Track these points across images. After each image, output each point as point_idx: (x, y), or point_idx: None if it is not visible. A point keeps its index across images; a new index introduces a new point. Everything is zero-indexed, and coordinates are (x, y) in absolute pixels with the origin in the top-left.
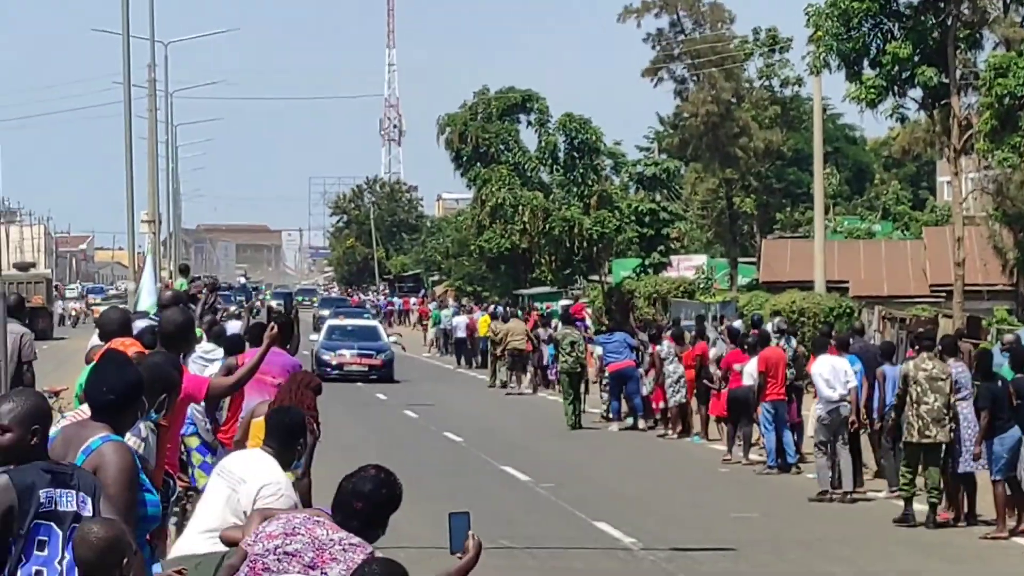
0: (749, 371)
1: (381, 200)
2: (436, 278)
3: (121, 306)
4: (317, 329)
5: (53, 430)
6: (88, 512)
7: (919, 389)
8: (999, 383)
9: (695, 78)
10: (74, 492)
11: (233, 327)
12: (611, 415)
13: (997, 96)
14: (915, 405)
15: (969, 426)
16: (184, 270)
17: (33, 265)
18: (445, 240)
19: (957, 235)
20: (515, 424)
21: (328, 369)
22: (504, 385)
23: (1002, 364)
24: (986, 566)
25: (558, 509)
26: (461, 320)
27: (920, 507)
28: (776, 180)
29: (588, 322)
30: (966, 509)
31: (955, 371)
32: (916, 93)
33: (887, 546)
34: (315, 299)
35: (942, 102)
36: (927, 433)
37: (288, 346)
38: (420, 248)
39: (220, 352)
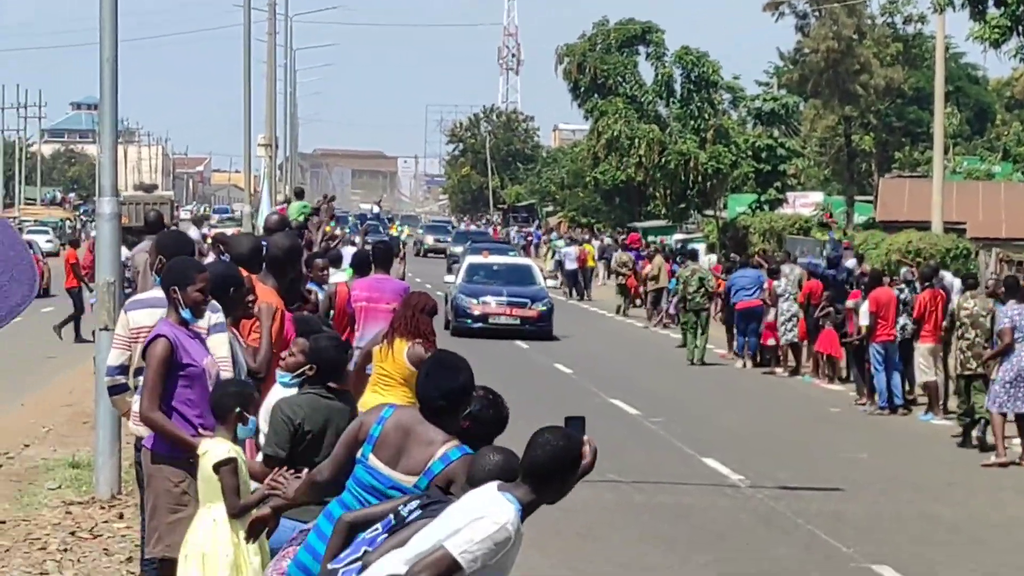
0: (861, 311)
1: (497, 129)
2: (550, 209)
3: (238, 230)
4: (450, 270)
5: None
6: None
7: (963, 325)
8: None
9: (817, 13)
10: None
11: (348, 253)
12: (738, 351)
13: None
14: (960, 340)
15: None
16: (299, 194)
17: (156, 187)
18: (560, 171)
19: None
20: (626, 358)
21: (469, 321)
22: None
23: None
24: None
25: (667, 444)
26: (571, 250)
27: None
28: (896, 118)
29: (641, 251)
30: None
31: (1013, 312)
32: None
33: (999, 492)
34: (417, 229)
35: None
36: (968, 366)
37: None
38: (535, 178)
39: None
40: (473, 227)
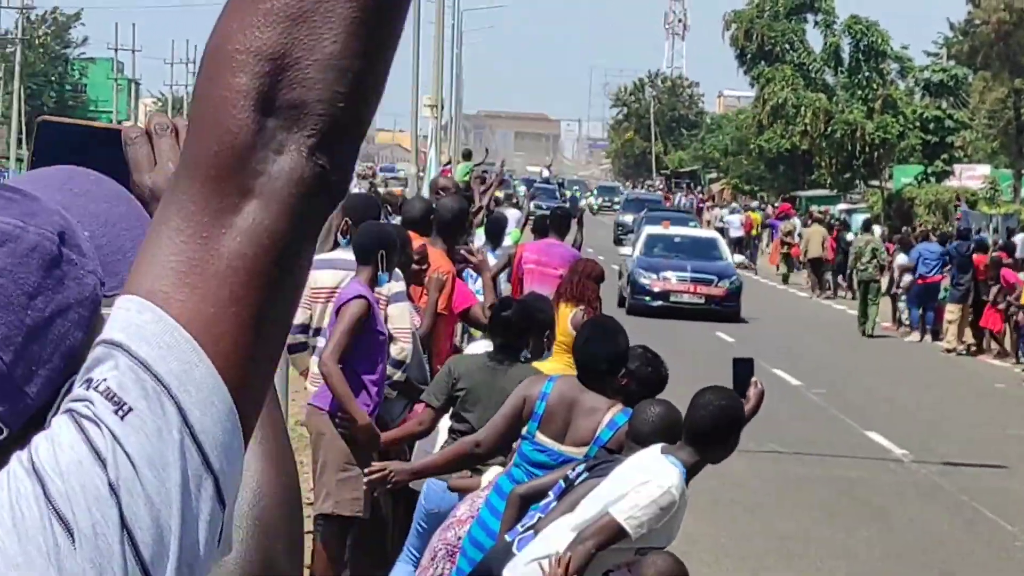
0: None
1: (662, 94)
2: (713, 175)
3: (401, 190)
4: (619, 242)
5: None
6: None
7: None
8: None
9: None
10: None
11: (513, 216)
12: (913, 324)
13: None
14: None
15: None
16: (467, 155)
17: None
18: (724, 137)
19: None
20: (792, 328)
21: (648, 298)
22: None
23: None
24: None
25: (829, 416)
26: (735, 218)
27: None
28: None
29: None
30: None
31: None
32: None
33: None
34: (587, 195)
35: None
36: None
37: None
38: (698, 144)
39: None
40: (643, 192)
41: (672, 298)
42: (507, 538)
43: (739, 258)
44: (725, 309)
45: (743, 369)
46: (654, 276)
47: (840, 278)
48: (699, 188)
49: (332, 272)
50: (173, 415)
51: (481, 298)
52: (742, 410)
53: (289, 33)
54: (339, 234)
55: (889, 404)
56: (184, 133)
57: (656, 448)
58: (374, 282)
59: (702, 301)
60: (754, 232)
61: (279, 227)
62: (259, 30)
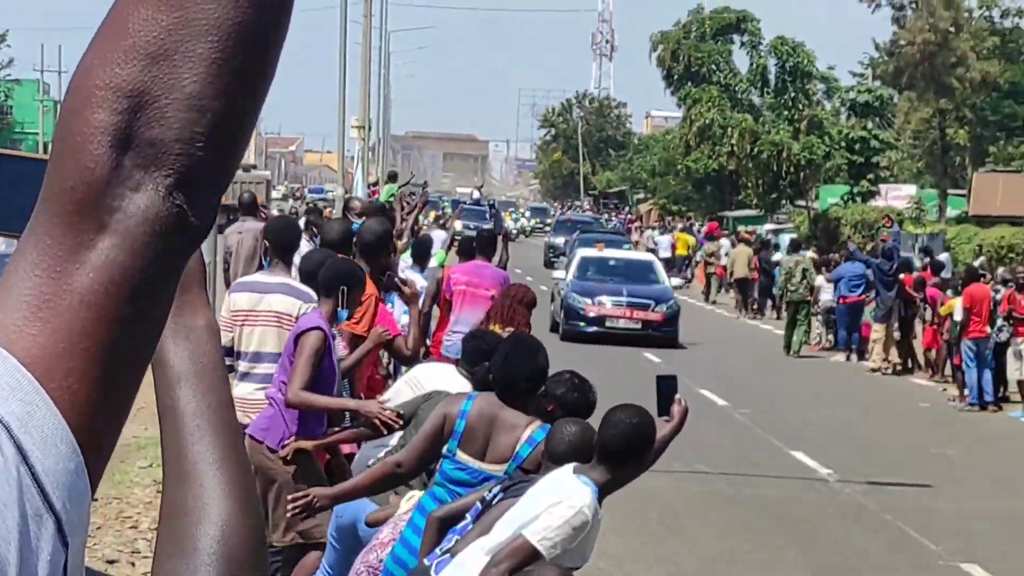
0: (956, 307)
1: (590, 115)
2: (641, 196)
3: (330, 211)
4: (550, 265)
5: None
6: None
7: None
8: None
9: (913, 5)
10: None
11: (439, 237)
12: (839, 346)
13: None
14: None
15: None
16: (392, 177)
17: (255, 167)
18: (652, 158)
19: None
20: (718, 348)
21: (583, 324)
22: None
23: None
24: None
25: (754, 436)
26: (665, 239)
27: None
28: (991, 112)
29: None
30: None
31: None
32: None
33: None
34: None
35: None
36: None
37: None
38: (626, 165)
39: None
40: (573, 214)
41: (608, 323)
42: (425, 562)
43: (676, 281)
44: (663, 335)
45: (666, 387)
46: (589, 301)
47: (768, 299)
48: (627, 209)
49: (248, 295)
50: (12, 455)
51: (404, 320)
52: (654, 428)
53: (149, 71)
54: (264, 257)
55: (815, 424)
56: None
57: (569, 468)
58: (334, 316)
59: (639, 326)
60: (685, 253)
61: (133, 264)
62: (119, 67)
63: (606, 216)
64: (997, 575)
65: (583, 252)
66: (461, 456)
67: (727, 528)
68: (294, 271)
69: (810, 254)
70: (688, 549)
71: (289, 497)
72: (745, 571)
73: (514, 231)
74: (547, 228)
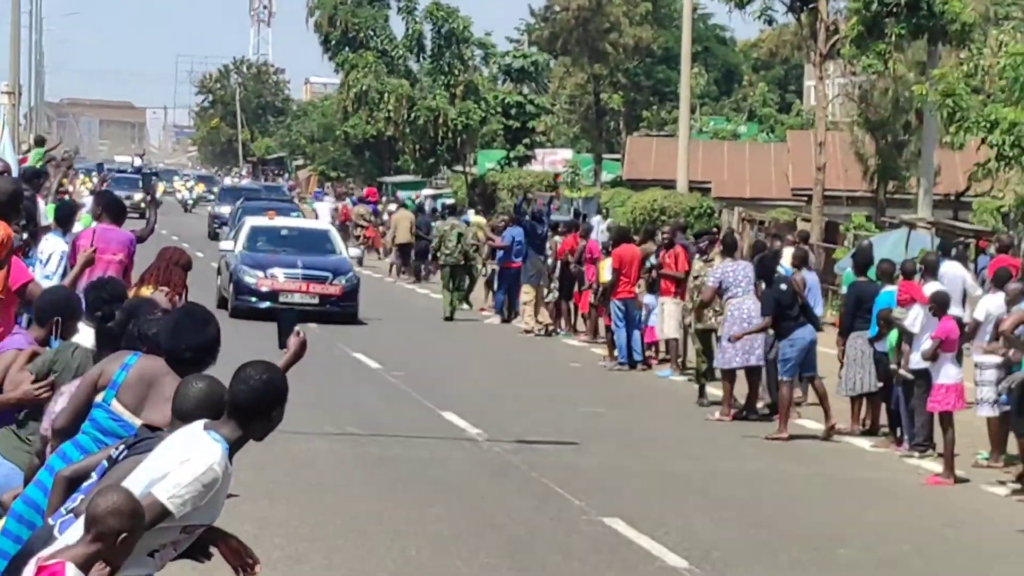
0: (604, 267)
1: (248, 81)
2: (300, 162)
3: None
4: (215, 236)
5: None
6: None
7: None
8: (783, 286)
9: None
10: None
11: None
12: (497, 308)
13: (864, 2)
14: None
15: (736, 322)
16: (40, 142)
17: None
18: (311, 124)
19: (819, 139)
20: (374, 312)
21: (254, 299)
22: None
23: (845, 268)
24: (825, 465)
25: (407, 398)
26: (324, 206)
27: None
28: (644, 78)
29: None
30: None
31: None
32: None
33: (738, 446)
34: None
35: (810, 5)
36: (687, 321)
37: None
38: (285, 131)
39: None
40: (243, 182)
41: (282, 299)
42: (50, 521)
43: (355, 251)
44: (342, 310)
45: (286, 322)
46: (260, 274)
47: (424, 263)
48: (287, 175)
49: None
50: None
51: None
52: (285, 383)
53: None
54: None
55: (467, 385)
56: None
57: (199, 424)
58: (45, 344)
59: (316, 301)
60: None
61: None
62: None
63: (286, 182)
64: (639, 529)
65: (252, 221)
66: (116, 406)
67: (376, 488)
68: None
69: (478, 218)
70: (336, 510)
71: None
72: (392, 529)
73: (190, 200)
74: (211, 197)
